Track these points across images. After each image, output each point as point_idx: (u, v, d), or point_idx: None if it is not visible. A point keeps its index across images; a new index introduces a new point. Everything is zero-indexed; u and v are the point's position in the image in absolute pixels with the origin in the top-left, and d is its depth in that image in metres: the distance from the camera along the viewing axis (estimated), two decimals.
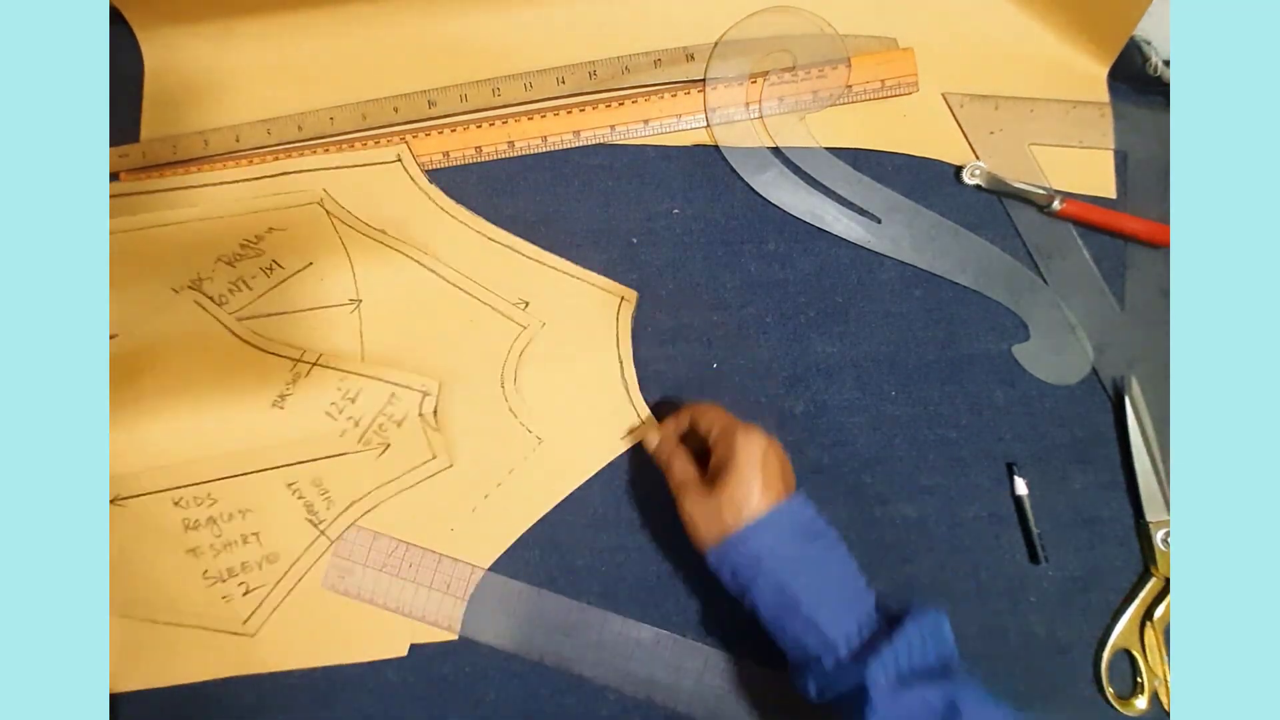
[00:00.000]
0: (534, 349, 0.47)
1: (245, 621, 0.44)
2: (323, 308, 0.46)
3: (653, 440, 0.43)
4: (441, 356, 0.46)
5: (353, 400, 0.44)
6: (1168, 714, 0.43)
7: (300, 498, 0.44)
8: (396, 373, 0.45)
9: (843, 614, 0.36)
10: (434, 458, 0.45)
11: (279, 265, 0.46)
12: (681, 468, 0.41)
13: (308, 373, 0.44)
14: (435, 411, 0.45)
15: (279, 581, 0.44)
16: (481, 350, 0.46)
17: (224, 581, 0.44)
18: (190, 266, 0.46)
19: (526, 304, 0.47)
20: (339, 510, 0.45)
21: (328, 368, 0.44)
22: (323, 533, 0.44)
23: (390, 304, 0.46)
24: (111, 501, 0.43)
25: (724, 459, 0.38)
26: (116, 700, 0.43)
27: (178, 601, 0.44)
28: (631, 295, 0.47)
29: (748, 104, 0.49)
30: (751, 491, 0.37)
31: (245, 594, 0.44)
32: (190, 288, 0.45)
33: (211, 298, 0.45)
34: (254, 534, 0.44)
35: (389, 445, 0.45)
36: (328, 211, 0.47)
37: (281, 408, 0.43)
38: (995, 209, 0.48)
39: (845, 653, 0.35)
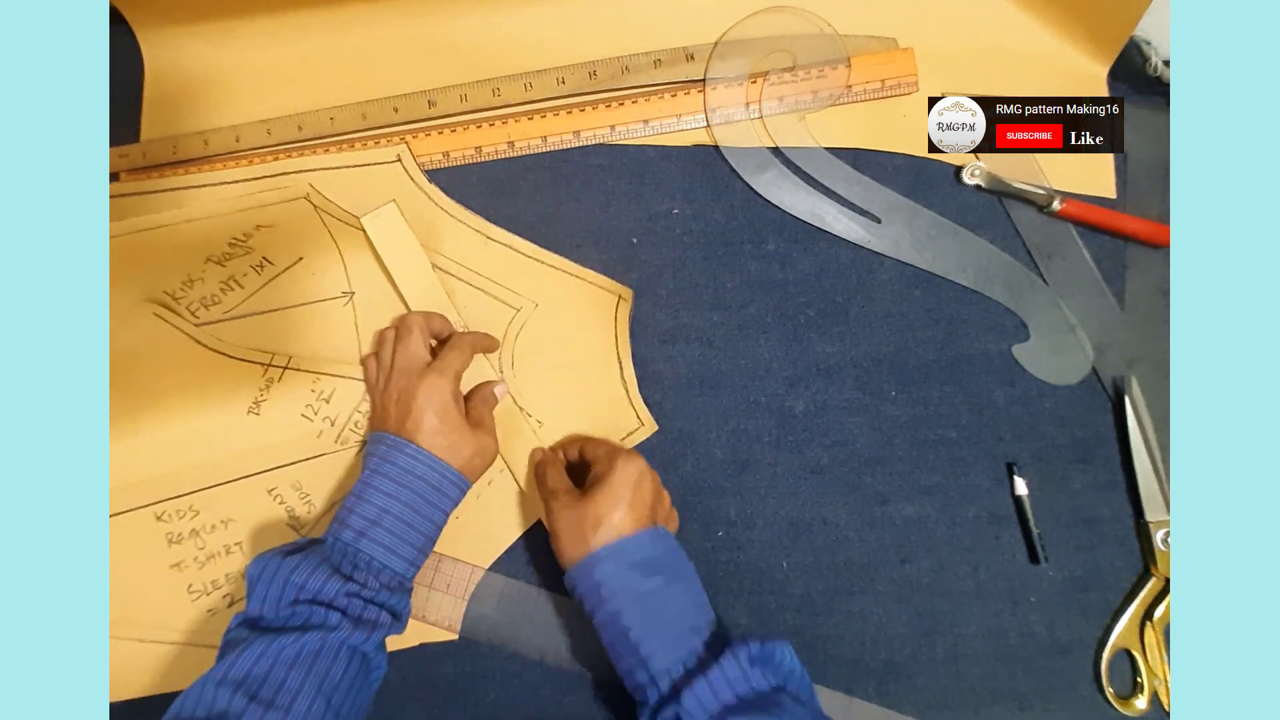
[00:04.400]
0: (533, 348, 0.47)
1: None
2: (316, 301, 0.46)
3: (536, 453, 0.45)
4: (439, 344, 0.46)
5: (327, 400, 0.44)
6: (1168, 714, 0.43)
7: (281, 503, 0.44)
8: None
9: (670, 649, 0.36)
10: None
11: (269, 262, 0.46)
12: (555, 476, 0.42)
13: (280, 376, 0.44)
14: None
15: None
16: None
17: (208, 595, 0.44)
18: (180, 268, 0.46)
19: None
20: (319, 512, 0.45)
21: (299, 370, 0.44)
22: (305, 537, 0.44)
23: (383, 294, 0.46)
24: None
25: (600, 475, 0.39)
26: (114, 709, 0.43)
27: (165, 619, 0.43)
28: (628, 293, 0.47)
29: (748, 104, 0.49)
30: (616, 509, 0.38)
31: (230, 606, 0.44)
32: (151, 299, 0.45)
33: (203, 299, 0.45)
34: (236, 544, 0.44)
35: (365, 441, 0.45)
36: (314, 205, 0.47)
37: (258, 414, 0.43)
38: (995, 209, 0.48)
39: (667, 687, 0.35)
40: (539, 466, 0.44)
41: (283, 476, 0.44)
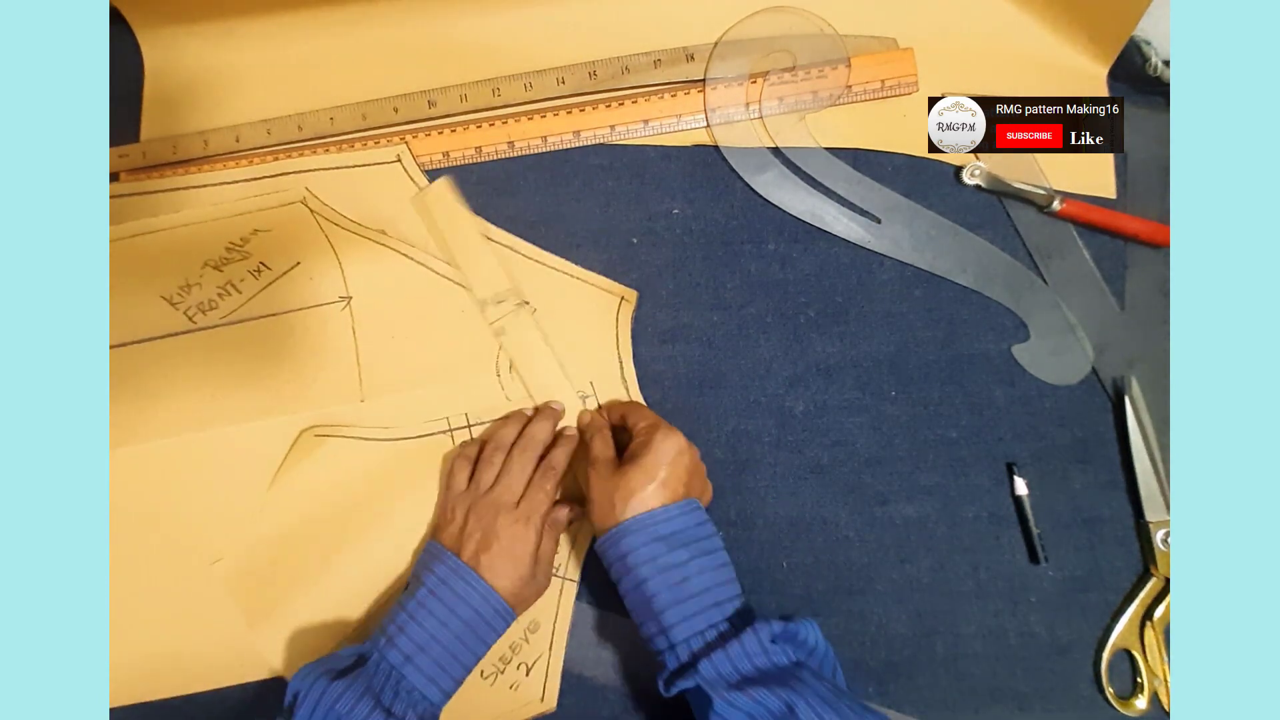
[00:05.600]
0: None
1: (543, 699, 0.43)
2: (314, 306, 0.46)
3: (585, 415, 0.45)
4: (434, 348, 0.46)
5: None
6: (1168, 714, 0.43)
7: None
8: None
9: (692, 620, 0.37)
10: None
11: (266, 267, 0.46)
12: (601, 444, 0.42)
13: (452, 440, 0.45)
14: (598, 403, 0.47)
15: (551, 645, 0.44)
16: (474, 340, 0.46)
17: (503, 673, 0.43)
18: (177, 273, 0.46)
19: (526, 302, 0.47)
20: (568, 550, 0.45)
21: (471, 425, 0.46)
22: (565, 578, 0.44)
23: (381, 298, 0.46)
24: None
25: (639, 448, 0.40)
26: None
27: (474, 716, 0.43)
28: (631, 295, 0.47)
29: (748, 104, 0.49)
30: (649, 484, 0.39)
31: (528, 674, 0.43)
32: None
33: (200, 304, 0.45)
34: None
35: None
36: (311, 210, 0.47)
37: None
38: (995, 209, 0.48)
39: (686, 655, 0.36)
40: (587, 430, 0.44)
41: None
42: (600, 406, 0.46)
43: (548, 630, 0.44)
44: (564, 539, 0.45)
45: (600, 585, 0.45)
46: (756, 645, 0.36)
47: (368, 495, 0.44)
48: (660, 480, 0.39)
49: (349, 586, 0.43)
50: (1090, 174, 0.48)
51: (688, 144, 0.49)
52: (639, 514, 0.38)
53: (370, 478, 0.44)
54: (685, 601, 0.37)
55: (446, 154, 0.49)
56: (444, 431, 0.45)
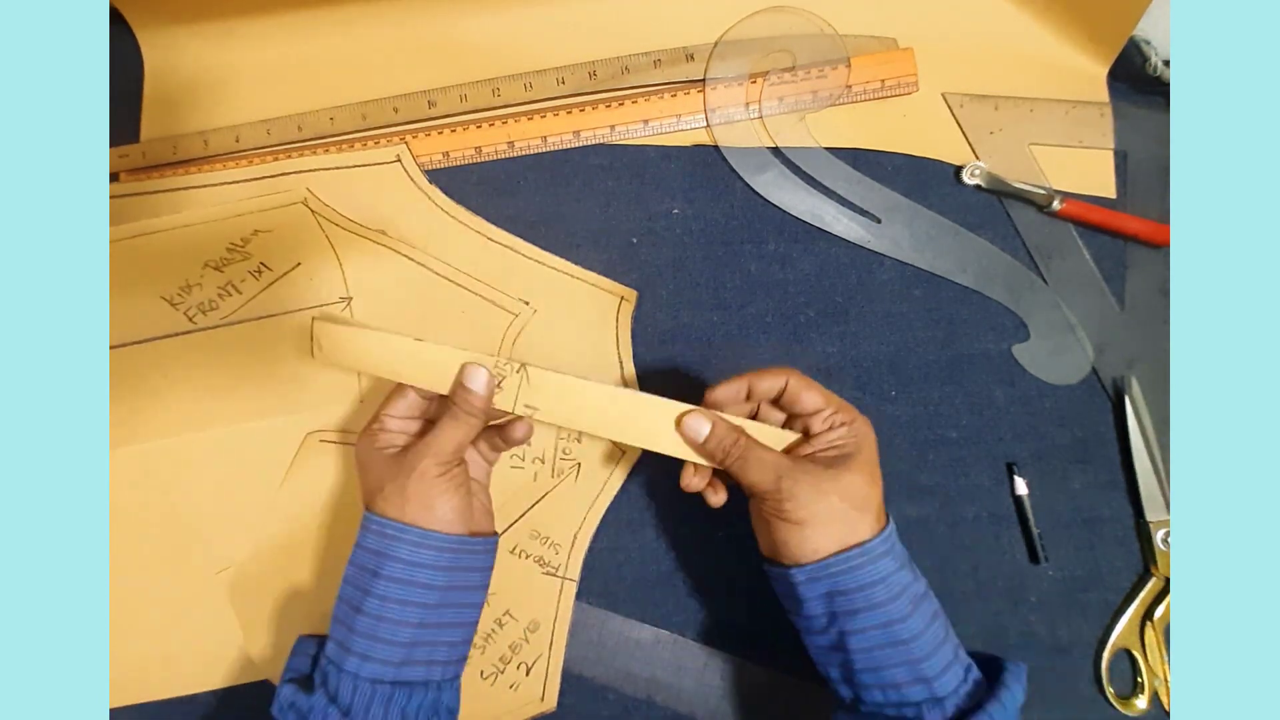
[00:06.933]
0: (534, 349, 0.47)
1: (543, 698, 0.43)
2: (314, 307, 0.46)
3: (704, 420, 0.35)
4: None
5: (528, 443, 0.43)
6: (1168, 714, 0.43)
7: (528, 556, 0.44)
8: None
9: (949, 663, 0.31)
10: (625, 453, 0.45)
11: (267, 267, 0.46)
12: (778, 438, 0.33)
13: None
14: None
15: (551, 645, 0.44)
16: (474, 341, 0.46)
17: (503, 673, 0.43)
18: (178, 273, 0.46)
19: (526, 303, 0.47)
20: (568, 549, 0.45)
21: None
22: (564, 578, 0.44)
23: (381, 300, 0.46)
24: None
25: (847, 448, 0.32)
26: None
27: (474, 716, 0.42)
28: (631, 295, 0.47)
29: (748, 104, 0.49)
30: (877, 485, 0.31)
31: (528, 674, 0.43)
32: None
33: (201, 304, 0.45)
34: (505, 613, 0.44)
35: (579, 462, 0.45)
36: (312, 210, 0.47)
37: None
38: (995, 209, 0.48)
39: (953, 710, 0.30)
40: (725, 442, 0.34)
41: (519, 531, 0.44)
42: (722, 385, 0.36)
43: (548, 630, 0.44)
44: (563, 539, 0.44)
45: (600, 585, 0.45)
46: (1020, 696, 0.30)
47: None
48: (879, 478, 0.31)
49: None
50: (1090, 174, 0.48)
51: (688, 144, 0.49)
52: (882, 529, 0.31)
53: None
54: (944, 645, 0.31)
55: (446, 154, 0.49)
56: None
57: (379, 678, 0.33)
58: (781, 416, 0.37)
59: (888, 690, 0.31)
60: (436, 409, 0.38)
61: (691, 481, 0.36)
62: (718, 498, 0.37)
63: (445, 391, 0.37)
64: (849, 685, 0.33)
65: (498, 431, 0.40)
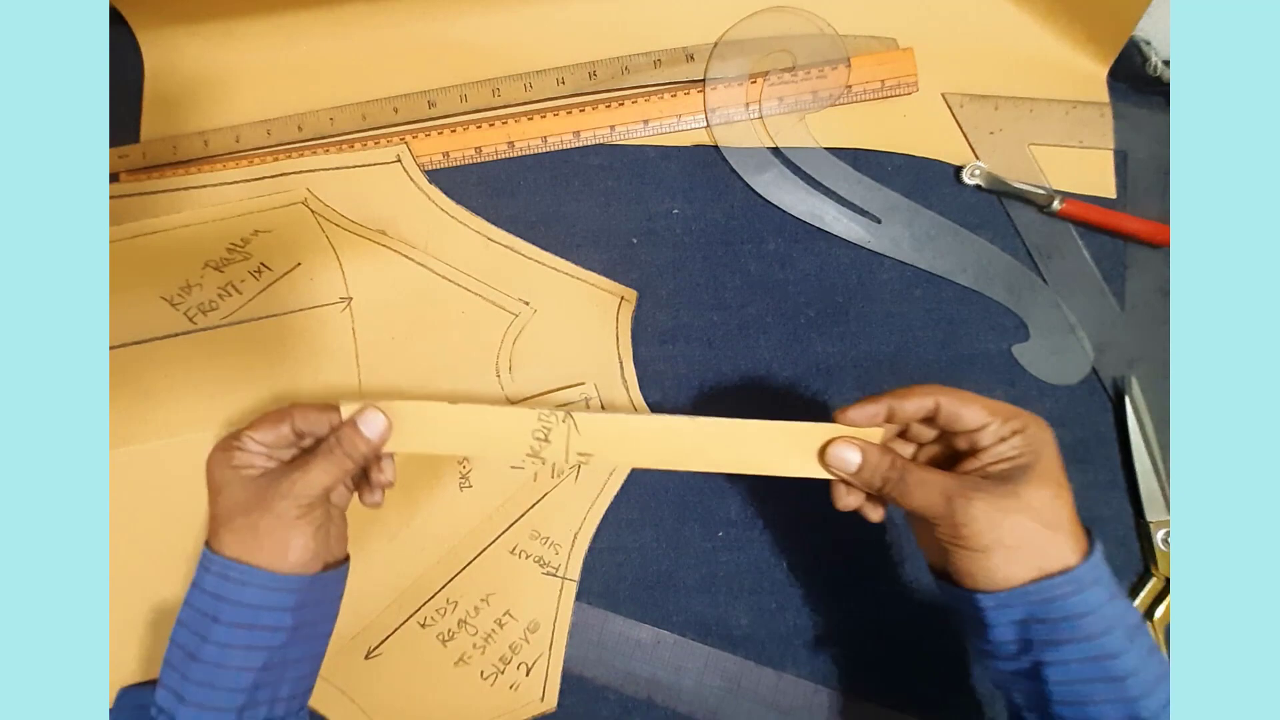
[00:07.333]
0: (533, 349, 0.47)
1: (543, 698, 0.44)
2: (314, 307, 0.46)
3: (852, 457, 0.31)
4: (434, 349, 0.46)
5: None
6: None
7: (528, 557, 0.44)
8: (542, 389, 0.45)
9: (1165, 704, 0.27)
10: None
11: (267, 268, 0.46)
12: (930, 468, 0.30)
13: None
14: (601, 403, 0.45)
15: (551, 645, 0.44)
16: (474, 340, 0.46)
17: (503, 673, 0.43)
18: (178, 273, 0.46)
19: (526, 303, 0.47)
20: (568, 549, 0.45)
21: None
22: (564, 578, 0.44)
23: (381, 300, 0.46)
24: (368, 657, 0.43)
25: (1023, 458, 0.29)
26: None
27: (478, 713, 0.43)
28: (631, 295, 0.47)
29: (748, 104, 0.49)
30: (1063, 508, 0.27)
31: (528, 674, 0.44)
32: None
33: (201, 304, 0.45)
34: (505, 613, 0.44)
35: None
36: (312, 210, 0.47)
37: (470, 486, 0.44)
38: (995, 209, 0.48)
39: None
40: (881, 468, 0.31)
41: (518, 532, 0.44)
42: (853, 410, 0.32)
43: (548, 630, 0.44)
44: (563, 539, 0.44)
45: (600, 585, 0.45)
46: None
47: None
48: (1068, 492, 0.28)
49: (349, 590, 0.43)
50: (1090, 174, 0.48)
51: (688, 144, 0.49)
52: (1089, 550, 0.27)
53: None
54: (1163, 681, 0.27)
55: (446, 154, 0.49)
56: None
57: None
58: (932, 434, 0.33)
59: None
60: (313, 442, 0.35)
61: (848, 501, 0.33)
62: (877, 514, 0.34)
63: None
64: (1039, 714, 0.29)
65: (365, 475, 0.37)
